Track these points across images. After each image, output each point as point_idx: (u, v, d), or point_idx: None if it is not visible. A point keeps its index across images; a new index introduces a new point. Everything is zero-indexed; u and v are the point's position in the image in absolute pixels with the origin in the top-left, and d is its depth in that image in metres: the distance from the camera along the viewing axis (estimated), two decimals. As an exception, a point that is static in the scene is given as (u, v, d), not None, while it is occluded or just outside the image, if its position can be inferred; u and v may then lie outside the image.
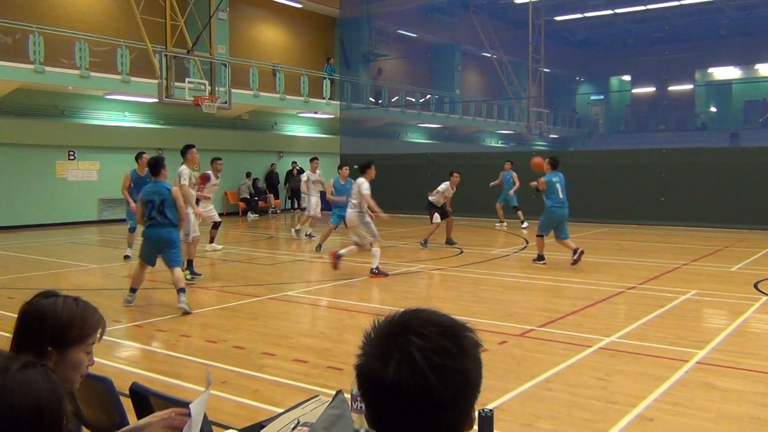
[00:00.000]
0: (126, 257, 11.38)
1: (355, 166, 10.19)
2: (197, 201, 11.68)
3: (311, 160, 14.28)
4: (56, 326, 1.77)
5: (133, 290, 7.51)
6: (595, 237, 14.93)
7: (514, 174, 16.18)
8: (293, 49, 25.81)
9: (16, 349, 1.72)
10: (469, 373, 1.13)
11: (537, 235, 10.75)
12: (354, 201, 9.63)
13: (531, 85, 30.23)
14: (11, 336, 1.81)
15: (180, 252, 7.61)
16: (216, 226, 11.96)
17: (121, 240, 12.48)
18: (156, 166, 7.47)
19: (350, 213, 9.65)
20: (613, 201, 17.37)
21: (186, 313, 7.11)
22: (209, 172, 11.93)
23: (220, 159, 12.10)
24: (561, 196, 10.39)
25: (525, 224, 16.10)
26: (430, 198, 12.86)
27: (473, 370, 1.14)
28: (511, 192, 16.17)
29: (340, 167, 12.61)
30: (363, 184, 9.55)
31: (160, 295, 8.36)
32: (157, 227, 7.29)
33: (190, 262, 9.61)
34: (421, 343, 1.10)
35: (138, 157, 11.68)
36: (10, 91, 16.71)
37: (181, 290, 7.19)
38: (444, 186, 12.87)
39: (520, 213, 16.33)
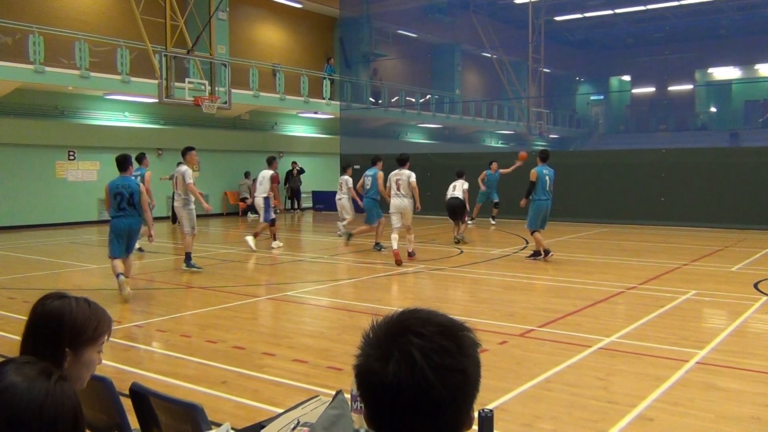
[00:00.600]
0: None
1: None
2: (266, 200, 12.41)
3: (345, 168, 14.55)
4: (73, 327, 1.79)
5: (119, 276, 7.83)
6: (595, 237, 14.94)
7: (501, 171, 16.37)
8: (293, 49, 25.81)
9: (32, 352, 1.72)
10: (468, 372, 1.13)
11: (531, 233, 10.86)
12: (405, 191, 10.59)
13: (531, 85, 30.19)
14: (22, 338, 1.80)
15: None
16: (272, 222, 12.70)
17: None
18: (124, 162, 8.15)
19: (406, 202, 10.60)
20: (613, 201, 17.37)
21: (126, 296, 7.75)
22: (272, 172, 12.46)
23: (275, 157, 13.07)
24: (547, 189, 10.71)
25: (494, 223, 17.05)
26: (460, 198, 13.12)
27: (472, 369, 1.14)
28: (506, 171, 16.36)
29: (375, 161, 12.29)
30: (412, 175, 10.64)
31: (160, 295, 8.37)
32: (128, 217, 7.97)
33: (188, 255, 9.99)
34: (421, 343, 1.10)
35: (140, 159, 11.91)
36: (10, 91, 16.71)
37: (122, 274, 7.93)
38: (467, 185, 13.36)
39: (495, 210, 17.02)
